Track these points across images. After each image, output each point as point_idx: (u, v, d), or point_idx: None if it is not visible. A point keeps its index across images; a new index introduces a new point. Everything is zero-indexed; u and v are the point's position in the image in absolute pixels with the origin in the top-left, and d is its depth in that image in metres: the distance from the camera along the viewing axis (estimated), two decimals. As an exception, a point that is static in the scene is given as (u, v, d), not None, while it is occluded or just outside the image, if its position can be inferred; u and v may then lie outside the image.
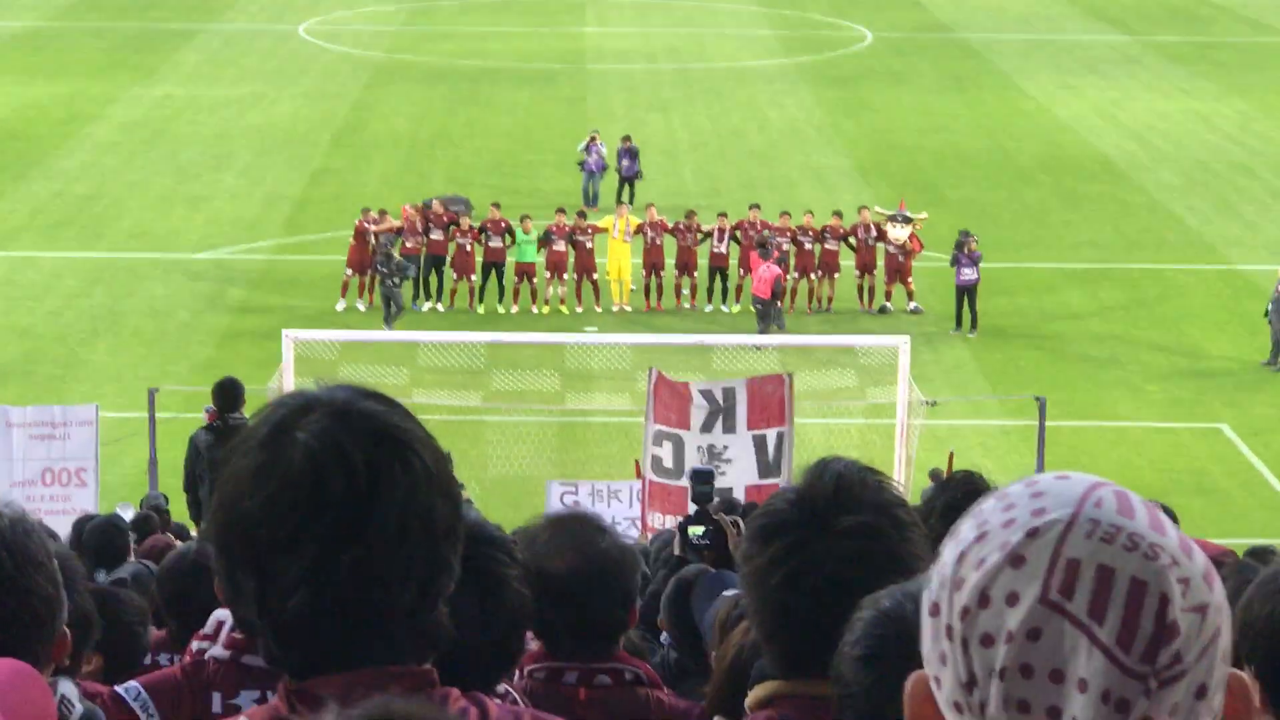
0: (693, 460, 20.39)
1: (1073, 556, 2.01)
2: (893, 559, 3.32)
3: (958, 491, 6.24)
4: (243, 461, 2.55)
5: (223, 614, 7.15)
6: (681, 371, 25.87)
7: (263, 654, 2.60)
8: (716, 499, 16.40)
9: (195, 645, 7.08)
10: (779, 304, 33.90)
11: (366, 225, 35.64)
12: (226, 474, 2.57)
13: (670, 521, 18.70)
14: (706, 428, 21.10)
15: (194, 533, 17.54)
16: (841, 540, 3.31)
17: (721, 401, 21.20)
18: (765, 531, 3.38)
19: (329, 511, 2.49)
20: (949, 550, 2.11)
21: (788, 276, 35.64)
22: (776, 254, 34.60)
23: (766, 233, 35.35)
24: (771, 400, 21.31)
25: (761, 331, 32.89)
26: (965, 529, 2.11)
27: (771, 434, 21.18)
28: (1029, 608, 2.00)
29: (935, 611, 2.09)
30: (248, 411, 17.90)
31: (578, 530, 5.01)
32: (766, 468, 21.09)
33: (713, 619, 6.02)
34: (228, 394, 17.25)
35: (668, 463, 20.88)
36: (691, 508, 8.76)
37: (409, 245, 35.63)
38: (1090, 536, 2.02)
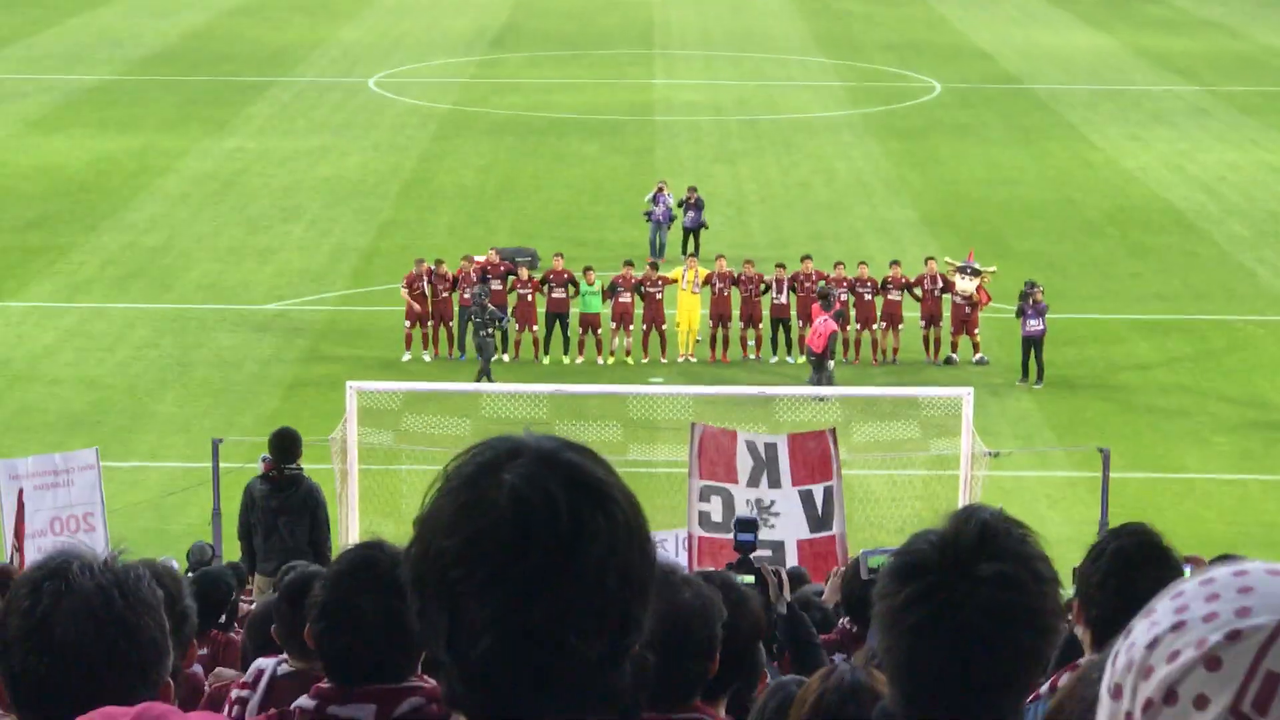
0: (742, 513, 20.30)
1: (1274, 669, 1.89)
2: (1030, 612, 3.30)
3: (1131, 540, 6.23)
4: (445, 499, 2.52)
5: (263, 663, 7.16)
6: (742, 424, 25.80)
7: (444, 694, 2.58)
8: (772, 562, 16.32)
9: (235, 694, 7.09)
10: (831, 358, 33.81)
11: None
12: (427, 510, 2.54)
13: (722, 572, 18.60)
14: (753, 481, 20.97)
15: (252, 583, 17.60)
16: (981, 588, 3.28)
17: (764, 456, 21.06)
18: (905, 571, 3.35)
19: (529, 556, 2.45)
20: (1141, 631, 2.00)
21: (849, 327, 35.65)
22: (838, 305, 34.57)
23: (824, 284, 35.32)
24: (814, 456, 21.16)
25: (814, 383, 32.83)
26: (1162, 610, 2.00)
27: (819, 489, 21.02)
28: (1218, 715, 1.89)
29: (1117, 695, 1.99)
30: (305, 461, 18.02)
31: (660, 581, 5.00)
32: (817, 522, 20.95)
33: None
34: (284, 445, 17.31)
35: (716, 517, 20.76)
36: (735, 555, 8.74)
37: (466, 297, 35.79)
38: None
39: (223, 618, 11.46)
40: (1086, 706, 3.92)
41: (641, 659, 2.60)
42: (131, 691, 3.41)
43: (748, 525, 8.61)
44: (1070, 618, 6.34)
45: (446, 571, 2.49)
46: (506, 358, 35.89)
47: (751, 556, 8.55)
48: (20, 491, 20.95)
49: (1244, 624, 1.92)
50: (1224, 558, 10.24)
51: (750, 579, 8.34)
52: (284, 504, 17.32)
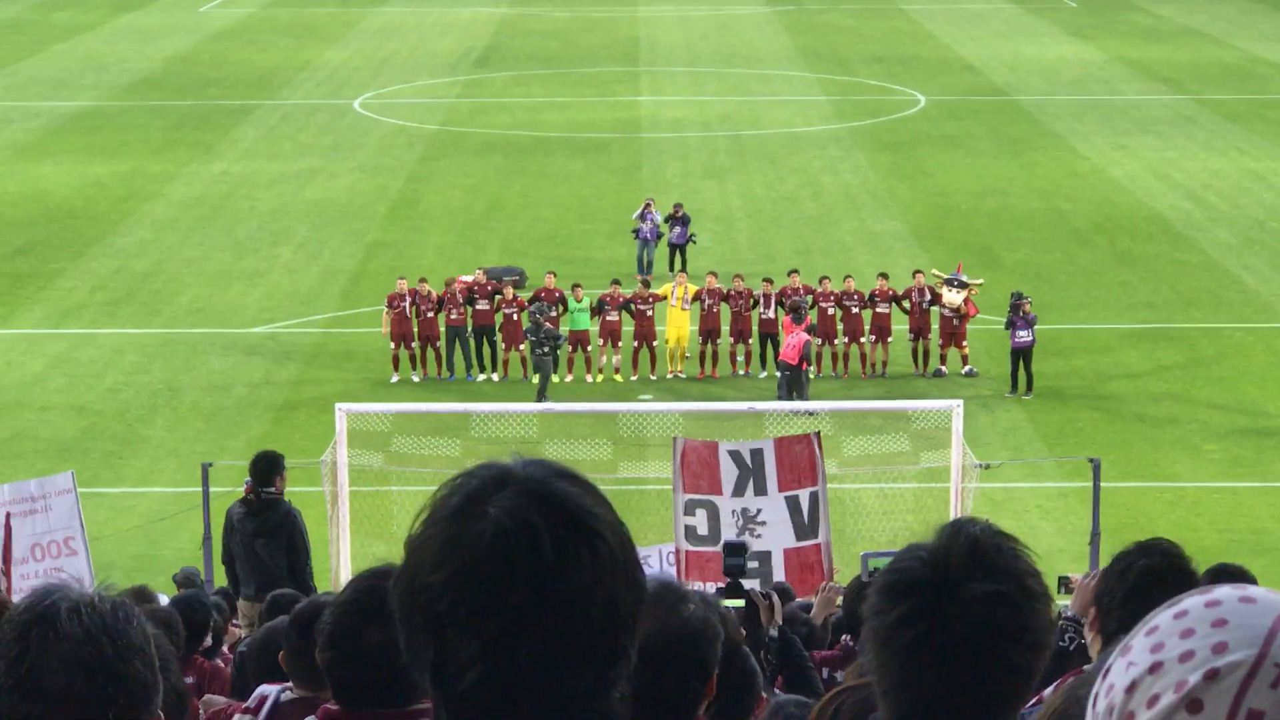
0: (728, 524, 20.27)
1: (1255, 708, 1.86)
2: (1021, 630, 3.27)
3: (1160, 560, 6.20)
4: (430, 531, 2.52)
5: (267, 690, 7.17)
6: (731, 439, 25.79)
7: None
8: (764, 565, 16.33)
9: (237, 719, 7.11)
10: (807, 370, 33.82)
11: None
12: (414, 541, 2.55)
13: (710, 589, 18.62)
14: (738, 491, 20.95)
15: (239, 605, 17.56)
16: (973, 606, 3.26)
17: (750, 463, 21.03)
18: (895, 589, 3.32)
19: (514, 591, 2.45)
20: (1118, 673, 1.97)
21: (836, 340, 35.76)
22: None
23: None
24: (800, 460, 21.15)
25: (782, 398, 32.85)
26: (1138, 649, 1.97)
27: (804, 494, 21.00)
28: None
29: None
30: (297, 484, 17.99)
31: (659, 598, 5.01)
32: (802, 529, 20.91)
33: None
34: (259, 468, 17.34)
35: (702, 530, 20.75)
36: (724, 579, 8.74)
37: (453, 317, 35.79)
38: (1276, 686, 1.87)
39: (208, 641, 11.44)
40: None
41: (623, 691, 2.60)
42: None
43: (736, 550, 8.61)
44: (1084, 624, 6.34)
45: (432, 605, 2.49)
46: (495, 377, 35.89)
47: (742, 580, 8.55)
48: (8, 516, 20.90)
49: (1221, 662, 1.89)
50: (1223, 568, 10.24)
51: (740, 603, 8.32)
52: (260, 527, 17.32)
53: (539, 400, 33.37)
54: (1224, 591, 1.96)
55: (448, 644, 2.49)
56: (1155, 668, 1.92)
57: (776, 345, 35.96)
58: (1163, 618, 1.96)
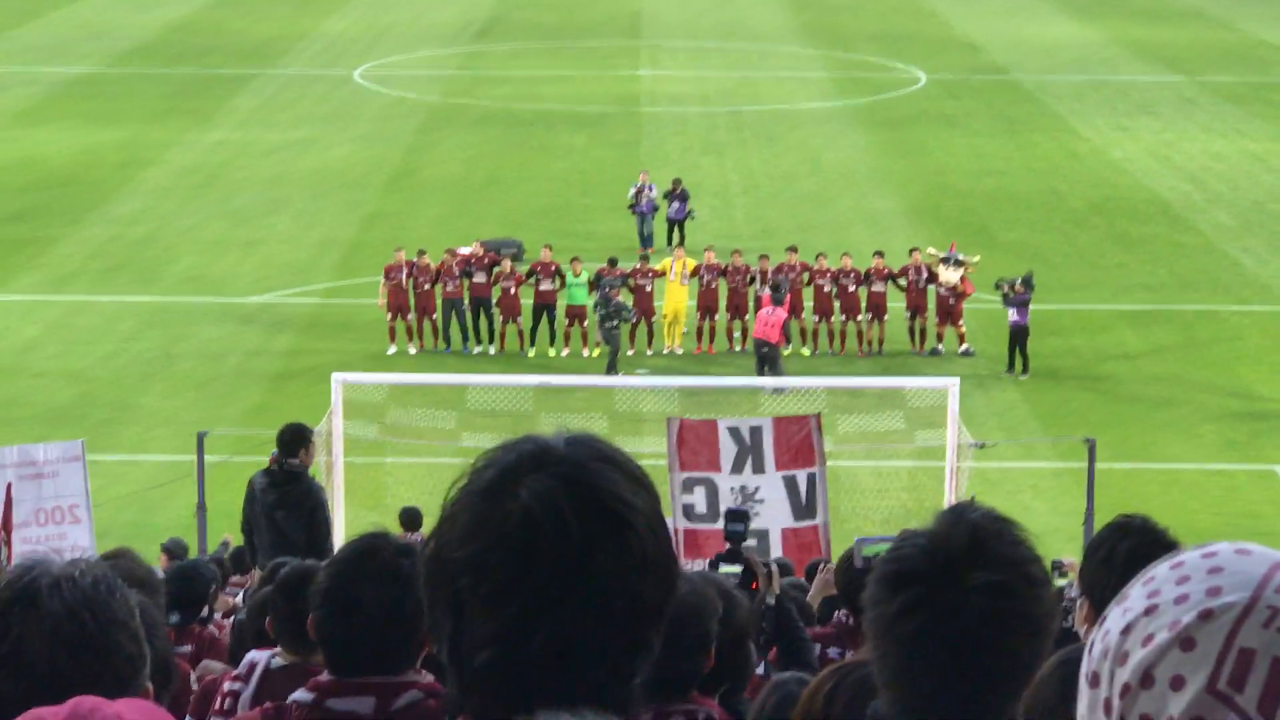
0: (726, 502, 20.24)
1: (1247, 646, 1.91)
2: (1023, 618, 3.26)
3: (1143, 539, 6.15)
4: (461, 504, 2.50)
5: (256, 656, 7.15)
6: (726, 415, 25.77)
7: (448, 698, 2.57)
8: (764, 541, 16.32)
9: (227, 686, 7.08)
10: (788, 344, 33.85)
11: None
12: (445, 514, 2.52)
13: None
14: (737, 468, 20.91)
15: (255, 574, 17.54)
16: (974, 597, 3.23)
17: (749, 440, 20.99)
18: (896, 579, 3.29)
19: (535, 578, 2.43)
20: (1115, 618, 2.02)
21: (833, 319, 35.77)
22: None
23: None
24: (797, 441, 21.10)
25: (760, 373, 32.88)
26: (1135, 596, 2.02)
27: (802, 475, 20.96)
28: (1194, 695, 1.91)
29: (1095, 682, 2.00)
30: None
31: None
32: (800, 509, 20.88)
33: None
34: (285, 439, 17.26)
35: (701, 508, 20.72)
36: (725, 546, 8.73)
37: (449, 289, 35.74)
38: (1268, 626, 1.91)
39: (205, 611, 11.42)
40: (1056, 695, 3.91)
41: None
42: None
43: (739, 516, 8.61)
44: (1075, 613, 6.29)
45: (454, 580, 2.47)
46: (493, 350, 35.86)
47: (744, 546, 8.56)
48: (9, 485, 20.90)
49: (1215, 603, 1.93)
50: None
51: (738, 569, 8.31)
52: (280, 499, 17.25)
53: (609, 373, 33.39)
54: (1221, 546, 2.01)
55: (466, 620, 2.47)
56: (1151, 610, 1.97)
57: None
58: (1160, 569, 2.01)
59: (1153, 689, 1.93)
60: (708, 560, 17.85)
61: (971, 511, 3.35)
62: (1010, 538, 3.33)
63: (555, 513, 2.43)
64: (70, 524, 21.48)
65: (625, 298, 35.39)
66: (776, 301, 34.05)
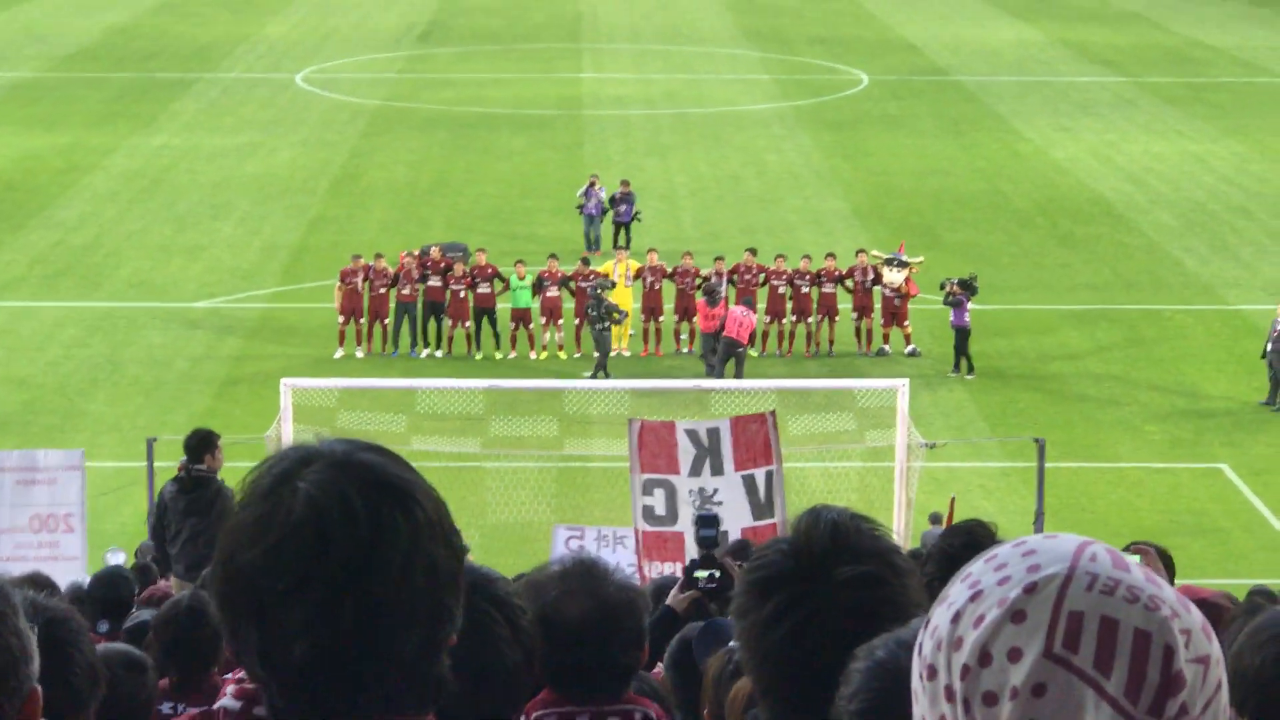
0: (685, 504, 20.26)
1: (1075, 609, 1.99)
2: (894, 607, 3.27)
3: (956, 539, 6.21)
4: (244, 513, 2.55)
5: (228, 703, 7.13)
6: (679, 416, 25.81)
7: (267, 707, 2.58)
8: (725, 543, 16.37)
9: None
10: (742, 349, 33.90)
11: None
12: (228, 527, 2.56)
13: (668, 569, 18.59)
14: (695, 471, 20.91)
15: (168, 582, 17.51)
16: (844, 591, 3.26)
17: (706, 442, 21.00)
18: (763, 585, 3.31)
19: (331, 559, 2.48)
20: (940, 614, 2.08)
21: (784, 320, 35.86)
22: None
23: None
24: (756, 439, 21.11)
25: (715, 372, 32.99)
26: (955, 591, 2.09)
27: (760, 474, 20.97)
28: (1033, 663, 1.98)
29: (931, 675, 2.06)
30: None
31: (586, 576, 5.08)
32: (759, 508, 20.89)
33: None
34: (191, 445, 17.34)
35: (660, 510, 20.71)
36: (697, 551, 8.75)
37: (405, 292, 35.70)
38: (1090, 589, 2.00)
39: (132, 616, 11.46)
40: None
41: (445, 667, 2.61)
42: None
43: (709, 521, 8.62)
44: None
45: (252, 584, 2.50)
46: (440, 353, 35.81)
47: (717, 550, 8.57)
48: None
49: (1037, 576, 2.02)
50: (1259, 589, 10.34)
51: (714, 573, 8.34)
52: (190, 505, 17.26)
53: (595, 375, 33.39)
54: (1030, 536, 2.10)
55: (271, 621, 2.50)
56: (976, 596, 2.04)
57: (721, 324, 35.76)
58: (976, 565, 2.09)
59: (992, 665, 2.00)
60: (674, 564, 17.78)
61: (829, 511, 3.38)
62: (870, 530, 3.37)
63: (338, 495, 2.50)
64: (64, 533, 21.48)
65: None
66: (712, 305, 34.22)
